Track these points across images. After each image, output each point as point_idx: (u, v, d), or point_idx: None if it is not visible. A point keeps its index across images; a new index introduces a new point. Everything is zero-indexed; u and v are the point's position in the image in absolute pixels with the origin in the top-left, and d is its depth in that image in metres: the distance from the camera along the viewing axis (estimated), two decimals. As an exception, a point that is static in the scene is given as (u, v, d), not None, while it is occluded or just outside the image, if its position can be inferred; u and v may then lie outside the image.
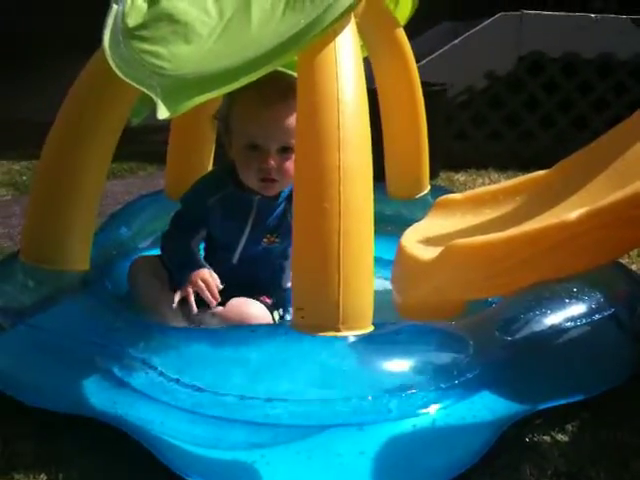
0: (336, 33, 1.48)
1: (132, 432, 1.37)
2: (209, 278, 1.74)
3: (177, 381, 1.36)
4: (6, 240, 2.91)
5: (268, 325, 1.51)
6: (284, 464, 1.31)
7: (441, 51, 4.45)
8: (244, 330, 1.46)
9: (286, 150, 1.76)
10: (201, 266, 1.78)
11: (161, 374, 1.38)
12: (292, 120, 1.69)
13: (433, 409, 1.40)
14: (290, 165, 1.76)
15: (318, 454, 1.32)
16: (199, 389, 1.34)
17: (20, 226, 3.02)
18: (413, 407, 1.39)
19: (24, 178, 3.87)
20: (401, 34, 2.36)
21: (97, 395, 1.44)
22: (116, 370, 1.45)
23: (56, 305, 1.61)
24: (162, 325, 1.65)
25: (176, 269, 1.82)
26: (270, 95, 1.73)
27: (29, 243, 1.76)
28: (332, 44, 1.47)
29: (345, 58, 1.47)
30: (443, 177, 3.84)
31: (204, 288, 1.73)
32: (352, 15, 1.53)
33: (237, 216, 1.86)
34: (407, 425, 1.38)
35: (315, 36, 1.43)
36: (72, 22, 4.76)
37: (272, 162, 1.77)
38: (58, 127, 1.74)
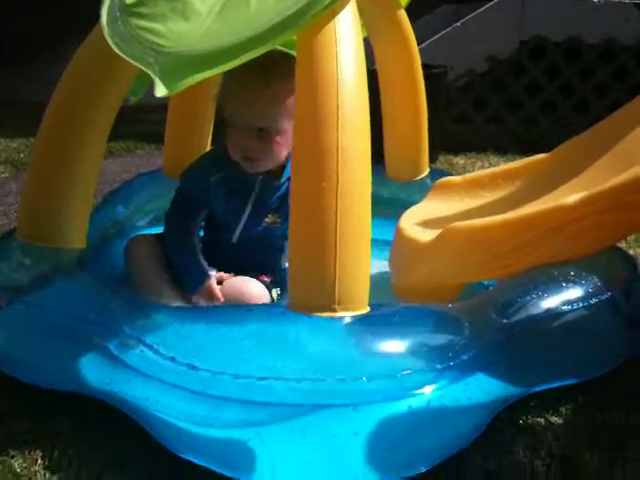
0: (336, 12, 1.46)
1: (127, 410, 1.37)
2: (215, 291, 1.77)
3: (172, 359, 1.36)
4: (2, 218, 2.91)
5: (264, 305, 1.50)
6: (278, 442, 1.31)
7: (442, 33, 4.41)
8: (240, 309, 1.46)
9: (264, 131, 1.76)
10: (205, 274, 1.80)
11: (156, 352, 1.38)
12: (271, 104, 1.71)
13: (427, 390, 1.40)
14: (272, 146, 1.77)
15: (313, 433, 1.32)
16: (194, 367, 1.34)
17: (17, 204, 3.01)
18: (408, 388, 1.39)
19: (21, 156, 3.85)
20: (402, 15, 2.33)
21: (92, 372, 1.44)
22: (112, 348, 1.44)
23: (52, 283, 1.60)
24: (158, 304, 1.65)
25: (182, 273, 1.84)
26: (250, 77, 1.73)
27: (25, 221, 1.75)
28: (332, 23, 1.46)
29: (345, 38, 1.46)
30: (442, 160, 3.82)
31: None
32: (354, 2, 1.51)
33: (239, 195, 1.86)
34: (402, 406, 1.38)
35: (315, 15, 1.42)
36: (71, 4, 4.72)
37: (249, 141, 1.77)
38: (55, 104, 1.73)
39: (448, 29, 4.42)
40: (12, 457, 1.36)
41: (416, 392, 1.39)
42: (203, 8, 1.51)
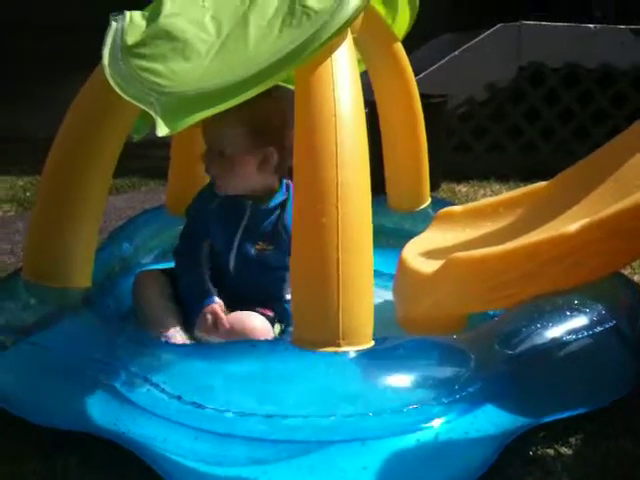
0: (333, 49, 1.49)
1: (134, 449, 1.37)
2: (220, 314, 1.79)
3: (178, 398, 1.36)
4: (9, 256, 2.92)
5: (268, 340, 1.51)
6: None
7: (441, 63, 4.47)
8: (245, 345, 1.46)
9: (223, 155, 1.82)
10: (212, 297, 1.83)
11: (163, 391, 1.38)
12: (226, 129, 1.78)
13: (436, 423, 1.39)
14: (233, 171, 1.83)
15: (321, 469, 1.31)
16: (200, 406, 1.34)
17: (22, 242, 3.04)
18: (415, 422, 1.38)
19: (28, 194, 3.88)
20: (399, 48, 2.37)
21: (99, 412, 1.44)
22: (118, 386, 1.44)
23: (58, 323, 1.61)
24: (163, 342, 1.65)
25: (189, 299, 1.86)
26: None
27: (31, 261, 1.76)
28: (329, 60, 1.48)
29: (342, 74, 1.49)
30: (445, 188, 3.84)
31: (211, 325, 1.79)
32: (349, 31, 1.54)
33: (231, 220, 1.89)
34: (410, 440, 1.37)
35: (312, 52, 1.45)
36: (73, 39, 4.80)
37: (211, 164, 1.86)
38: (59, 144, 1.75)
39: (447, 58, 4.48)
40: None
41: (424, 425, 1.39)
42: (203, 48, 1.54)
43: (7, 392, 1.56)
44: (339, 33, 1.48)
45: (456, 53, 4.52)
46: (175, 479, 1.31)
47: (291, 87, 1.74)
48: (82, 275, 1.73)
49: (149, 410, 1.41)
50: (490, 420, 1.43)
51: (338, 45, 1.50)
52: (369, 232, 1.48)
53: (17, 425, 1.51)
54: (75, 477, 1.41)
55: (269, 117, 1.81)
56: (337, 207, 1.42)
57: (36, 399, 1.52)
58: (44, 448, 1.48)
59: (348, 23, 1.49)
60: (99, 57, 1.59)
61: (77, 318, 1.63)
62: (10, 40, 5.35)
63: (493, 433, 1.41)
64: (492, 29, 4.56)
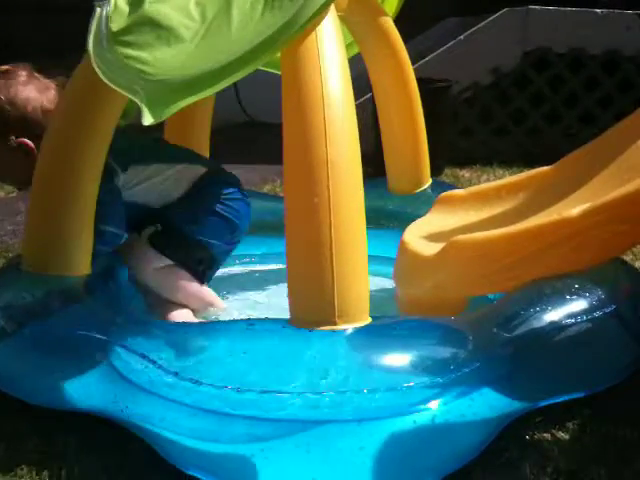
0: (317, 27, 1.48)
1: (132, 427, 1.37)
2: None
3: (176, 374, 1.36)
4: (11, 237, 2.93)
5: (265, 319, 1.51)
6: (283, 458, 1.31)
7: (446, 47, 4.43)
8: (241, 324, 1.46)
9: None
10: None
11: (160, 368, 1.38)
12: None
13: (433, 405, 1.39)
14: None
15: (317, 448, 1.32)
16: (197, 382, 1.34)
17: (24, 223, 3.04)
18: (411, 402, 1.38)
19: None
20: (390, 26, 2.35)
21: (97, 391, 1.45)
22: (116, 365, 1.45)
23: (58, 308, 1.61)
24: (160, 320, 1.65)
25: None
26: None
27: (30, 250, 1.77)
28: (313, 38, 1.48)
29: (328, 53, 1.48)
30: (448, 173, 3.83)
31: None
32: (332, 9, 1.53)
33: None
34: (407, 421, 1.37)
35: (294, 34, 1.45)
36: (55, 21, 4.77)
37: None
38: (51, 134, 1.75)
39: (452, 43, 4.44)
40: (20, 477, 1.36)
41: (421, 407, 1.39)
42: (187, 34, 1.53)
43: (7, 376, 1.57)
44: (319, 13, 1.47)
45: (461, 37, 4.48)
46: (173, 457, 1.32)
47: (277, 72, 1.74)
48: (81, 262, 1.73)
49: (146, 388, 1.41)
50: (487, 403, 1.43)
51: (322, 24, 1.49)
52: (361, 210, 1.47)
53: (16, 405, 1.52)
54: (74, 456, 1.41)
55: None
56: (328, 187, 1.42)
57: (35, 381, 1.53)
58: (44, 428, 1.49)
59: (327, 3, 1.48)
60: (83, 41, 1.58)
61: (76, 302, 1.64)
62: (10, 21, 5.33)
63: (490, 416, 1.41)
64: (498, 13, 4.52)
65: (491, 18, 4.51)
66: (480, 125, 4.49)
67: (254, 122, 5.03)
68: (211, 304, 2.01)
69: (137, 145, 1.98)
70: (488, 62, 4.47)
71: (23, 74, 1.88)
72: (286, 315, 1.88)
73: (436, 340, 1.48)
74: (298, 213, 1.45)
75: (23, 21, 5.36)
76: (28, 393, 1.52)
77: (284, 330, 1.41)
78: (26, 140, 1.86)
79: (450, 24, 5.24)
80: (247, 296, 2.18)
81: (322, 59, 1.46)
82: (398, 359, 1.40)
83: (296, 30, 1.44)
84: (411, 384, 1.36)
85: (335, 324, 1.40)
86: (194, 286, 1.99)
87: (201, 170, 2.04)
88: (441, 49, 4.43)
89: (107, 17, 1.59)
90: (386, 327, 1.47)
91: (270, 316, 1.86)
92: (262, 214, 2.29)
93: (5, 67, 1.88)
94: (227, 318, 1.94)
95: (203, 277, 2.02)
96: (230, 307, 2.07)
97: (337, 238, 1.40)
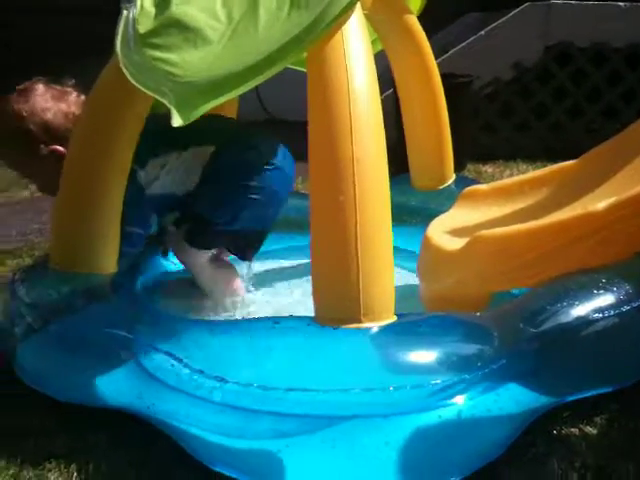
0: (342, 26, 1.48)
1: (158, 423, 1.38)
2: None
3: (201, 372, 1.37)
4: (37, 235, 2.96)
5: (291, 317, 1.51)
6: (308, 453, 1.31)
7: (467, 42, 4.41)
8: (267, 321, 1.47)
9: None
10: None
11: (186, 366, 1.39)
12: None
13: (458, 400, 1.39)
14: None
15: (342, 443, 1.32)
16: (222, 380, 1.35)
17: (49, 222, 3.08)
18: (437, 398, 1.38)
19: (55, 174, 3.92)
20: (414, 24, 2.35)
21: (123, 388, 1.46)
22: (142, 362, 1.46)
23: (84, 305, 1.63)
24: (186, 318, 1.66)
25: None
26: None
27: (57, 249, 1.79)
28: (340, 37, 1.48)
29: (354, 50, 1.48)
30: (471, 169, 3.81)
31: None
32: (358, 7, 1.53)
33: None
34: (432, 416, 1.37)
35: (319, 33, 1.45)
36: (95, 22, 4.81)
37: None
38: (78, 135, 1.77)
39: (473, 38, 4.41)
40: (49, 471, 1.38)
41: (447, 402, 1.38)
42: (214, 36, 1.54)
43: (35, 372, 1.59)
44: (345, 11, 1.47)
45: (482, 32, 4.45)
46: (199, 453, 1.33)
47: (300, 69, 1.74)
48: (107, 261, 1.75)
49: (172, 385, 1.42)
50: (513, 398, 1.43)
51: (348, 23, 1.49)
52: (387, 208, 1.47)
53: (46, 400, 1.53)
54: (102, 452, 1.43)
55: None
56: (354, 184, 1.42)
57: (62, 377, 1.54)
58: (72, 424, 1.51)
59: (352, 3, 1.48)
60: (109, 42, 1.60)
61: (102, 300, 1.65)
62: (34, 23, 5.38)
63: (516, 411, 1.40)
64: (520, 8, 4.48)
65: (513, 13, 4.47)
66: (502, 120, 4.46)
67: (274, 120, 5.04)
68: (241, 300, 2.04)
69: (148, 133, 1.93)
70: (510, 57, 4.44)
71: (39, 87, 1.92)
72: (310, 312, 1.91)
73: (462, 337, 1.48)
74: (324, 211, 1.45)
75: (33, 22, 5.42)
76: (55, 389, 1.54)
77: (309, 328, 1.41)
78: (56, 146, 1.90)
79: (471, 19, 5.21)
80: (272, 292, 2.19)
81: (348, 58, 1.46)
82: (424, 356, 1.40)
83: (322, 29, 1.44)
84: (437, 382, 1.35)
85: (360, 322, 1.40)
86: (228, 281, 2.04)
87: (209, 149, 1.96)
88: (462, 44, 4.41)
89: (134, 19, 1.60)
90: (411, 324, 1.46)
91: (294, 313, 1.88)
92: (285, 211, 2.29)
93: (22, 85, 1.93)
94: (253, 314, 1.95)
95: (245, 257, 2.05)
96: (256, 302, 2.08)
97: (363, 236, 1.40)
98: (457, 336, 1.46)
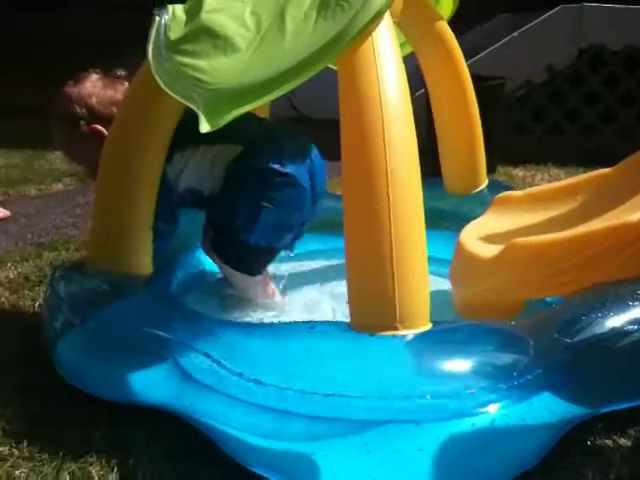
0: (372, 35, 1.50)
1: (196, 423, 1.41)
2: None
3: (240, 374, 1.39)
4: (72, 229, 3.01)
5: (326, 323, 1.53)
6: (342, 457, 1.33)
7: (499, 44, 4.39)
8: (303, 326, 1.49)
9: None
10: None
11: (224, 368, 1.41)
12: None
13: (492, 409, 1.39)
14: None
15: (376, 448, 1.33)
16: (261, 383, 1.37)
17: (84, 216, 3.13)
18: (472, 406, 1.39)
19: (86, 169, 3.98)
20: (445, 29, 2.35)
21: (161, 387, 1.49)
22: (180, 362, 1.49)
23: (123, 304, 1.66)
24: (222, 319, 1.68)
25: None
26: None
27: (95, 249, 1.84)
28: (370, 46, 1.49)
29: (384, 58, 1.49)
30: (501, 172, 3.79)
31: None
32: (387, 15, 1.54)
33: None
34: (466, 424, 1.37)
35: (347, 43, 1.46)
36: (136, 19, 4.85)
37: None
38: (111, 138, 1.81)
39: (505, 40, 4.39)
40: (90, 464, 1.41)
41: (480, 410, 1.39)
42: (243, 44, 1.57)
43: (74, 368, 1.63)
44: (372, 22, 1.48)
45: (515, 35, 4.43)
46: (234, 452, 1.35)
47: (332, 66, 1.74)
48: (142, 260, 1.79)
49: (210, 386, 1.44)
50: (547, 408, 1.43)
51: (377, 31, 1.50)
52: (421, 215, 1.48)
53: (87, 397, 1.56)
54: (142, 447, 1.45)
55: None
56: (388, 193, 1.43)
57: (101, 374, 1.58)
58: (113, 418, 1.53)
59: (381, 12, 1.50)
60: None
61: (140, 299, 1.68)
62: (73, 20, 5.44)
63: (550, 421, 1.41)
64: (553, 10, 4.46)
65: (546, 15, 4.45)
66: (534, 123, 4.44)
67: (302, 117, 5.06)
68: (274, 304, 2.06)
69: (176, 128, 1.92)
70: (542, 60, 4.42)
71: (93, 75, 2.06)
72: (341, 315, 1.92)
73: (498, 346, 1.48)
74: (358, 219, 1.46)
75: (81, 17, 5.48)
76: (92, 385, 1.57)
77: (345, 334, 1.42)
78: (96, 126, 1.99)
79: (501, 20, 5.18)
80: (304, 294, 2.20)
81: (379, 67, 1.47)
82: (459, 365, 1.41)
83: (349, 40, 1.45)
84: (473, 390, 1.36)
85: (396, 329, 1.41)
86: (261, 282, 2.05)
87: (236, 150, 1.94)
88: (494, 46, 4.39)
89: (166, 26, 1.64)
90: (447, 332, 1.47)
91: (325, 317, 1.90)
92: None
93: (81, 74, 2.07)
94: (286, 316, 1.97)
95: (252, 273, 2.03)
96: (286, 304, 2.09)
97: (397, 244, 1.42)
98: (493, 345, 1.47)
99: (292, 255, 2.18)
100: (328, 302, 2.12)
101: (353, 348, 1.41)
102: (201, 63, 1.54)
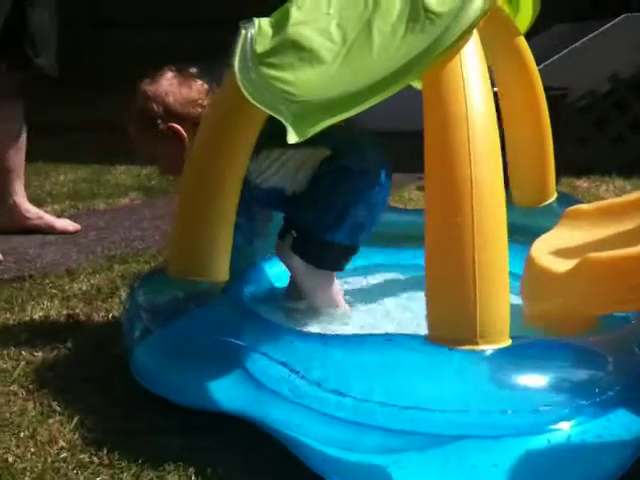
0: (460, 49, 1.50)
1: (274, 432, 1.43)
2: None
3: (319, 385, 1.41)
4: (140, 242, 3.09)
5: (403, 335, 1.54)
6: (418, 470, 1.33)
7: (561, 54, 4.34)
8: (379, 338, 1.50)
9: None
10: None
11: (303, 377, 1.43)
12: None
13: (568, 425, 1.38)
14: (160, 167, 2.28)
15: (452, 463, 1.33)
16: (341, 394, 1.38)
17: (151, 229, 3.22)
18: (547, 422, 1.37)
19: (152, 183, 4.08)
20: (523, 43, 2.35)
21: (237, 394, 1.52)
22: (257, 371, 1.51)
23: (200, 311, 1.70)
24: (301, 331, 1.71)
25: None
26: None
27: (175, 257, 1.89)
28: (457, 61, 1.49)
29: (471, 74, 1.49)
30: (565, 183, 3.73)
31: None
32: (475, 31, 1.53)
33: None
34: (542, 440, 1.36)
35: (436, 58, 1.46)
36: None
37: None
38: (197, 147, 1.85)
39: (567, 49, 4.34)
40: (168, 473, 1.44)
41: (555, 427, 1.38)
42: (329, 56, 1.58)
43: (152, 373, 1.67)
44: (463, 37, 1.48)
45: (577, 44, 4.37)
46: (312, 462, 1.37)
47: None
48: (220, 269, 1.83)
49: (285, 395, 1.47)
50: (624, 425, 1.40)
51: (465, 45, 1.50)
52: (504, 230, 1.48)
53: (163, 404, 1.60)
54: (219, 455, 1.48)
55: None
56: (472, 206, 1.43)
57: (179, 381, 1.62)
58: (190, 425, 1.56)
59: (472, 26, 1.49)
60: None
61: (217, 307, 1.72)
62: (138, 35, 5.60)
63: (627, 438, 1.38)
64: (616, 19, 4.39)
65: (609, 24, 4.39)
66: (597, 134, 4.36)
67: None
68: (340, 315, 2.07)
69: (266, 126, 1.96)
70: (605, 69, 4.34)
71: (168, 73, 2.13)
72: (408, 327, 1.93)
73: (577, 362, 1.47)
74: (440, 231, 1.47)
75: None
76: (170, 392, 1.61)
77: (424, 347, 1.43)
78: (173, 124, 2.06)
79: (560, 30, 5.12)
80: (368, 307, 2.21)
81: (466, 82, 1.47)
82: (539, 381, 1.40)
83: (439, 54, 1.46)
84: (553, 407, 1.35)
85: (477, 344, 1.41)
86: (330, 290, 2.07)
87: (325, 153, 2.00)
88: (555, 57, 4.34)
89: (252, 38, 1.67)
90: (526, 348, 1.46)
91: (389, 329, 1.90)
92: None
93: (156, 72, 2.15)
94: (351, 329, 1.98)
95: (346, 265, 2.08)
96: (352, 316, 2.11)
97: (480, 258, 1.42)
98: (571, 361, 1.45)
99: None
100: (393, 315, 2.12)
101: (432, 361, 1.41)
102: (287, 75, 1.57)
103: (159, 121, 2.04)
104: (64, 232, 3.20)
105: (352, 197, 1.97)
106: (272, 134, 1.82)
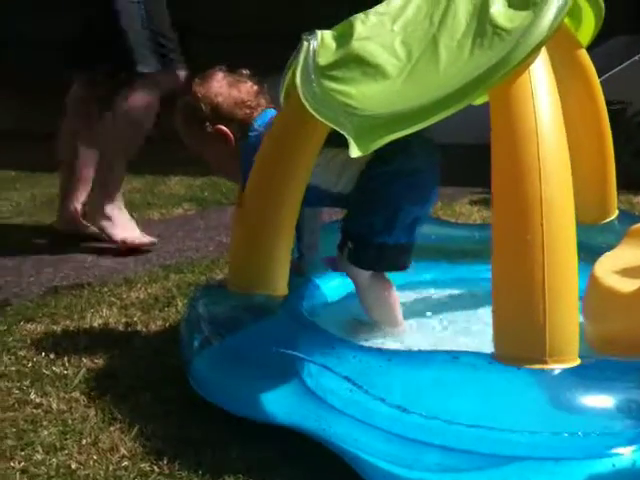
0: (530, 65, 1.48)
1: (331, 446, 1.43)
2: None
3: (383, 400, 1.40)
4: (193, 252, 3.12)
5: (469, 353, 1.52)
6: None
7: (620, 68, 4.26)
8: (445, 355, 1.48)
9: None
10: None
11: (366, 392, 1.42)
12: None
13: (633, 450, 1.34)
14: (211, 165, 2.23)
15: (511, 485, 1.31)
16: (405, 410, 1.37)
17: (205, 239, 3.25)
18: (612, 446, 1.34)
19: (205, 194, 4.13)
20: (585, 58, 2.31)
21: (295, 407, 1.52)
22: (317, 385, 1.51)
23: (260, 324, 1.72)
24: (364, 346, 1.70)
25: None
26: None
27: (235, 271, 1.91)
28: (526, 77, 1.47)
29: (541, 90, 1.47)
30: (622, 200, 3.62)
31: None
32: (543, 47, 1.51)
33: None
34: (606, 464, 1.33)
35: (505, 74, 1.45)
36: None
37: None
38: (260, 162, 1.87)
39: (627, 63, 4.26)
40: (227, 485, 1.45)
41: (621, 451, 1.34)
42: (393, 71, 1.58)
43: (212, 385, 1.69)
44: (533, 53, 1.46)
45: (636, 58, 4.29)
46: (370, 477, 1.37)
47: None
48: (281, 283, 1.85)
49: (343, 410, 1.46)
50: (693, 452, 1.36)
51: (534, 59, 1.48)
52: (574, 248, 1.46)
53: (222, 415, 1.61)
54: (277, 468, 1.49)
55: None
56: (542, 224, 1.42)
57: (237, 392, 1.63)
58: (248, 437, 1.57)
59: (542, 43, 1.48)
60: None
61: (278, 320, 1.74)
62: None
63: (696, 466, 1.34)
64: (678, 31, 4.29)
65: (671, 37, 4.29)
66: (656, 149, 4.26)
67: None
68: (398, 330, 2.05)
69: None
70: (666, 83, 4.25)
71: (218, 74, 2.12)
72: (467, 344, 1.90)
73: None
74: (509, 249, 1.45)
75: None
76: (229, 403, 1.62)
77: (491, 366, 1.41)
78: (221, 126, 2.06)
79: (618, 43, 5.02)
80: (423, 322, 2.18)
81: (536, 98, 1.46)
82: (608, 402, 1.37)
83: (508, 71, 1.44)
84: (619, 430, 1.32)
85: (546, 363, 1.39)
86: (393, 307, 2.06)
87: (368, 155, 1.90)
88: (614, 70, 4.26)
89: (314, 51, 1.68)
90: (596, 368, 1.44)
91: (450, 347, 1.88)
92: (427, 238, 2.28)
93: (206, 72, 2.15)
94: (408, 344, 1.96)
95: (408, 262, 2.05)
96: (408, 333, 2.09)
97: (550, 276, 1.40)
98: (640, 383, 1.42)
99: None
100: (450, 332, 2.10)
101: (499, 380, 1.39)
102: (350, 89, 1.57)
103: (207, 123, 2.06)
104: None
105: (403, 199, 1.95)
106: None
